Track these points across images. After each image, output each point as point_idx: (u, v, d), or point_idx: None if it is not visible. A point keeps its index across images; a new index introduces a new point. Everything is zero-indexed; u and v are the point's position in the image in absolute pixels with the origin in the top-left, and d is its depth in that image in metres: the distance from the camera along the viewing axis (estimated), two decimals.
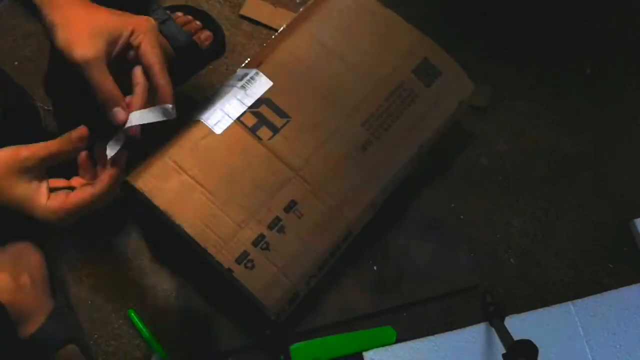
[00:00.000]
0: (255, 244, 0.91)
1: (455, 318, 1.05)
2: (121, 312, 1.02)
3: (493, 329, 0.95)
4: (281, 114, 0.97)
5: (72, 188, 0.71)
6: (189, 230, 0.91)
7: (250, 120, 0.96)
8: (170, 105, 0.69)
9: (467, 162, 1.15)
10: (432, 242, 1.08)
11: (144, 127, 0.73)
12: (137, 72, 0.72)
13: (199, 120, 0.96)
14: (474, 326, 1.03)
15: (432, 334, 1.02)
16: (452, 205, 1.12)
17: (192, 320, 1.02)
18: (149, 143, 0.88)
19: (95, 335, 1.01)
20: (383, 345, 1.01)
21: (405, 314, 1.05)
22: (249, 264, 0.91)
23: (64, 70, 0.73)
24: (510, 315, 1.01)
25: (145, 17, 0.71)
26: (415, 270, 1.06)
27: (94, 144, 0.72)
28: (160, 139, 0.94)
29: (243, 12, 1.22)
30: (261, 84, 0.98)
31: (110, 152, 0.70)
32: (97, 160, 0.73)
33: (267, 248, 0.92)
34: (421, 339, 1.02)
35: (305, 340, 1.01)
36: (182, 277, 1.04)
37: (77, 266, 1.04)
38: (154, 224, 0.97)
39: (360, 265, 1.06)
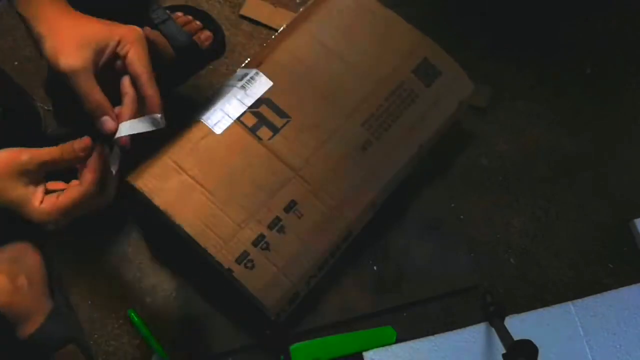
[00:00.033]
0: (255, 244, 0.91)
1: (455, 318, 1.05)
2: (121, 312, 1.02)
3: (493, 329, 0.95)
4: (281, 114, 0.97)
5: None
6: (189, 230, 0.91)
7: (250, 120, 0.96)
8: (159, 115, 0.69)
9: (467, 162, 1.15)
10: (432, 242, 1.08)
11: (133, 137, 0.73)
12: (125, 82, 0.72)
13: (199, 120, 0.96)
14: (474, 326, 1.03)
15: (432, 334, 1.02)
16: (452, 205, 1.12)
17: (192, 320, 1.02)
18: (149, 144, 0.88)
19: (95, 335, 1.01)
20: (383, 345, 1.01)
21: (405, 314, 1.05)
22: (249, 264, 0.91)
23: None
24: (510, 315, 1.01)
25: (133, 26, 0.71)
26: (415, 270, 1.06)
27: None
28: (160, 139, 0.94)
29: (243, 12, 1.22)
30: (261, 84, 0.98)
31: (113, 166, 0.70)
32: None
33: (267, 248, 0.92)
34: (421, 339, 1.02)
35: (305, 340, 1.01)
36: (182, 277, 1.04)
37: (77, 266, 1.04)
38: (154, 224, 0.98)
39: (360, 265, 1.06)
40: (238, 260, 0.91)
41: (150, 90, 0.70)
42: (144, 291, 1.04)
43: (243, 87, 0.98)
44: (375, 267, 1.06)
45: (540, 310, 1.05)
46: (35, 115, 1.06)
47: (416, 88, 1.02)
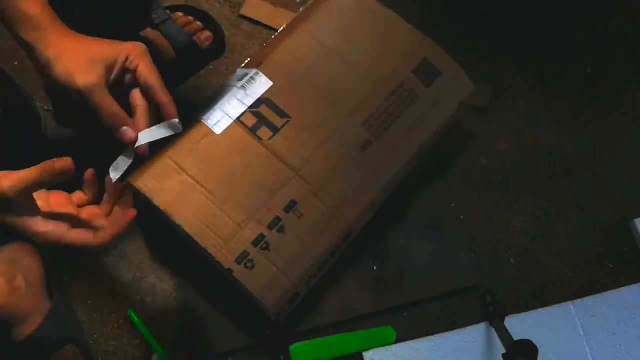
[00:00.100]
0: (255, 244, 0.91)
1: (455, 318, 1.05)
2: (121, 312, 1.02)
3: (493, 329, 0.95)
4: (281, 114, 0.97)
5: (74, 218, 0.69)
6: (189, 230, 0.91)
7: (250, 120, 0.96)
8: (177, 120, 0.72)
9: (467, 162, 1.15)
10: (432, 242, 1.08)
11: (150, 143, 0.76)
12: (136, 94, 0.74)
13: (199, 120, 0.96)
14: (474, 326, 1.03)
15: (432, 334, 1.02)
16: (452, 205, 1.12)
17: (192, 320, 1.02)
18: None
19: (95, 335, 1.01)
20: (383, 345, 1.01)
21: (405, 314, 1.05)
22: (249, 264, 0.91)
23: None
24: (510, 315, 1.01)
25: (137, 42, 0.73)
26: (415, 270, 1.06)
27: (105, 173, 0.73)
28: (160, 140, 0.93)
29: (243, 12, 1.22)
30: (261, 84, 0.98)
31: (115, 174, 0.71)
32: (106, 189, 0.74)
33: (267, 248, 0.92)
34: (421, 339, 1.02)
35: (305, 340, 1.01)
36: (182, 277, 1.04)
37: (77, 266, 1.04)
38: (154, 224, 0.97)
39: (360, 265, 1.06)
40: (238, 260, 0.91)
41: (166, 97, 0.72)
42: (144, 291, 1.04)
43: (243, 87, 0.98)
44: (375, 267, 1.06)
45: (540, 310, 1.05)
46: (35, 115, 1.06)
47: (416, 88, 1.02)
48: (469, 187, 1.14)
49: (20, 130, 0.98)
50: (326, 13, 1.04)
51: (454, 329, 1.03)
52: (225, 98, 0.97)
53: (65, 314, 0.94)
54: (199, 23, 1.11)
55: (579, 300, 1.05)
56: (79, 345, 0.93)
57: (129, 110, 0.73)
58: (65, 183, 0.67)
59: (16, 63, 1.13)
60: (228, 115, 0.96)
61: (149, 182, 0.91)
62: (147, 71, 0.72)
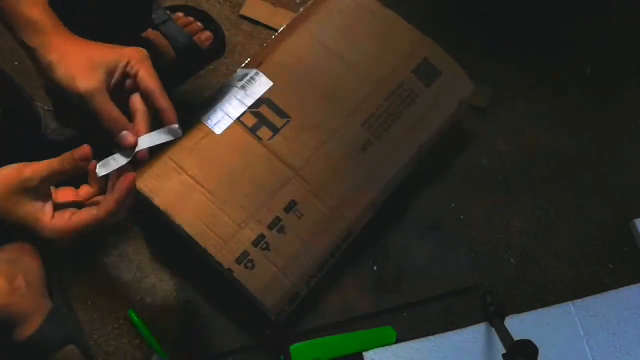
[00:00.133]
0: (255, 244, 0.91)
1: (455, 318, 1.05)
2: (121, 312, 1.02)
3: (493, 329, 0.95)
4: (281, 114, 0.97)
5: (78, 203, 0.71)
6: (189, 230, 0.91)
7: (250, 120, 0.96)
8: (176, 125, 0.72)
9: (467, 162, 1.15)
10: (432, 242, 1.08)
11: (150, 147, 0.76)
12: (136, 99, 0.74)
13: (199, 120, 0.96)
14: (474, 326, 1.03)
15: (432, 334, 1.02)
16: (452, 205, 1.12)
17: (192, 320, 1.02)
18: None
19: (95, 335, 1.01)
20: (383, 345, 1.01)
21: (405, 314, 1.05)
22: (249, 264, 0.91)
23: None
24: (510, 315, 1.01)
25: (138, 47, 0.74)
26: (415, 270, 1.06)
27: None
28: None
29: (243, 12, 1.22)
30: (261, 84, 0.98)
31: (101, 170, 0.71)
32: (109, 177, 0.74)
33: (267, 248, 0.92)
34: (421, 339, 1.02)
35: (305, 340, 1.01)
36: (182, 277, 1.04)
37: (77, 266, 1.04)
38: (154, 224, 0.97)
39: (360, 265, 1.06)
40: (238, 260, 0.91)
41: (165, 103, 0.73)
42: (144, 291, 1.04)
43: (243, 87, 0.98)
44: (375, 267, 1.06)
45: (540, 310, 1.05)
46: (35, 115, 1.06)
47: (416, 88, 1.02)
48: (469, 187, 1.14)
49: (20, 130, 0.98)
50: (326, 13, 1.04)
51: (454, 329, 1.03)
52: (225, 98, 0.97)
53: (65, 314, 0.94)
54: (199, 23, 1.11)
55: (579, 300, 1.05)
56: (79, 345, 0.92)
57: (129, 114, 0.73)
58: (71, 178, 0.68)
59: (16, 63, 1.13)
60: (228, 115, 0.96)
61: (149, 182, 0.91)
62: (147, 76, 0.72)
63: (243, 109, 0.97)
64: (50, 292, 0.92)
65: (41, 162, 0.66)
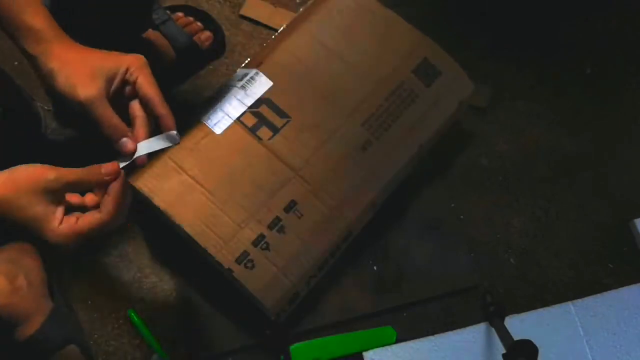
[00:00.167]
0: (255, 244, 0.91)
1: (455, 318, 1.05)
2: (121, 312, 1.02)
3: (493, 329, 0.95)
4: (281, 114, 0.97)
5: (84, 208, 0.72)
6: (189, 230, 0.91)
7: (250, 120, 0.96)
8: (174, 132, 0.73)
9: (467, 162, 1.15)
10: (432, 242, 1.08)
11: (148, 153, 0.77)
12: (135, 105, 0.75)
13: (199, 120, 0.96)
14: (474, 326, 1.03)
15: (432, 334, 1.02)
16: (452, 205, 1.12)
17: (192, 320, 1.02)
18: None
19: (95, 335, 1.01)
20: (383, 345, 1.01)
21: (405, 314, 1.05)
22: (249, 264, 0.91)
23: None
24: (510, 315, 1.01)
25: (137, 55, 0.75)
26: (415, 270, 1.06)
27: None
28: None
29: (243, 12, 1.22)
30: (261, 84, 0.98)
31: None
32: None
33: (267, 248, 0.92)
34: (421, 339, 1.02)
35: (305, 340, 1.01)
36: (182, 277, 1.04)
37: (77, 266, 1.04)
38: (154, 224, 0.97)
39: (360, 265, 1.06)
40: (238, 260, 0.91)
41: (164, 110, 0.73)
42: (144, 291, 1.04)
43: (243, 87, 0.98)
44: (375, 267, 1.06)
45: (540, 310, 1.05)
46: (35, 115, 1.06)
47: (416, 88, 1.02)
48: (469, 187, 1.14)
49: (20, 130, 0.98)
50: (326, 13, 1.04)
51: (454, 329, 1.03)
52: (225, 98, 0.97)
53: (66, 314, 0.94)
54: (199, 23, 1.11)
55: (579, 300, 1.05)
56: (79, 345, 0.92)
57: (129, 120, 0.74)
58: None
59: (16, 63, 1.13)
60: (228, 115, 0.96)
61: (149, 182, 0.91)
62: (146, 83, 0.73)
63: (243, 109, 0.97)
64: (51, 292, 0.92)
65: (67, 168, 0.67)
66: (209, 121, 0.96)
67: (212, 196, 0.92)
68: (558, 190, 1.15)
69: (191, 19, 1.11)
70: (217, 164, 0.94)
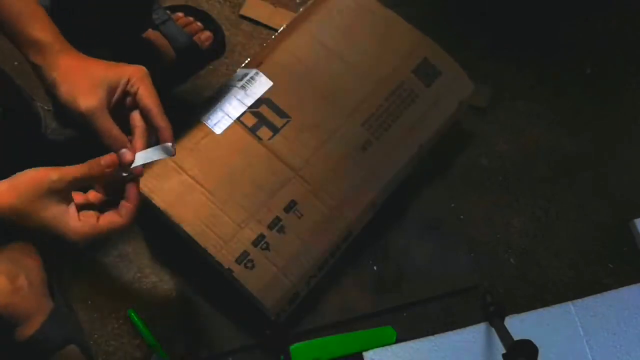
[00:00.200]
0: (255, 244, 0.91)
1: (455, 318, 1.05)
2: (121, 312, 1.02)
3: (493, 329, 0.95)
4: (281, 114, 0.97)
5: (92, 205, 0.73)
6: (189, 230, 0.91)
7: (250, 120, 0.96)
8: (170, 144, 0.74)
9: (467, 162, 1.15)
10: (432, 242, 1.08)
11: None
12: (136, 116, 0.76)
13: (199, 120, 0.96)
14: (474, 326, 1.03)
15: (432, 334, 1.02)
16: (452, 205, 1.12)
17: (192, 320, 1.02)
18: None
19: (95, 335, 1.01)
20: (383, 345, 1.01)
21: (405, 314, 1.05)
22: (249, 264, 0.91)
23: None
24: (510, 315, 1.01)
25: (139, 66, 0.76)
26: (415, 270, 1.06)
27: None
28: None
29: (243, 12, 1.22)
30: (261, 84, 0.98)
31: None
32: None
33: (267, 248, 0.92)
34: (421, 339, 1.02)
35: (305, 340, 1.01)
36: (182, 277, 1.04)
37: (77, 266, 1.04)
38: (154, 224, 0.97)
39: (360, 265, 1.06)
40: (238, 260, 0.91)
41: (163, 122, 0.75)
42: (144, 291, 1.04)
43: (243, 87, 0.98)
44: (375, 267, 1.06)
45: (540, 310, 1.05)
46: (35, 115, 1.06)
47: (416, 88, 1.02)
48: (469, 187, 1.14)
49: (20, 130, 0.98)
50: (326, 13, 1.04)
51: (454, 329, 1.03)
52: (225, 98, 0.97)
53: (66, 314, 0.94)
54: (199, 23, 1.11)
55: (579, 300, 1.05)
56: (79, 345, 0.92)
57: (129, 129, 0.76)
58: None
59: (16, 63, 1.13)
60: (228, 115, 0.96)
61: (149, 182, 0.92)
62: (146, 95, 0.74)
63: (243, 109, 0.97)
64: (51, 292, 0.92)
65: (68, 167, 0.68)
66: (209, 121, 0.96)
67: (212, 196, 0.92)
68: (558, 190, 1.15)
69: (191, 19, 1.11)
70: (217, 164, 0.94)
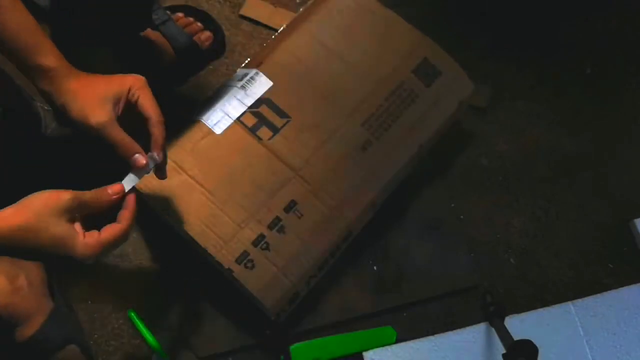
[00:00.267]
0: (255, 244, 0.91)
1: (455, 318, 1.05)
2: (121, 312, 1.02)
3: (493, 329, 0.95)
4: (281, 114, 0.97)
5: (92, 223, 0.76)
6: (189, 230, 0.91)
7: (250, 120, 0.96)
8: (154, 153, 0.79)
9: (467, 162, 1.15)
10: (432, 242, 1.08)
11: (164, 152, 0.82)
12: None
13: (199, 120, 0.96)
14: (474, 326, 1.03)
15: (432, 334, 1.02)
16: (452, 205, 1.12)
17: (192, 320, 1.02)
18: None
19: (95, 335, 1.01)
20: (383, 345, 1.01)
21: (405, 314, 1.05)
22: (249, 264, 0.91)
23: None
24: (510, 315, 1.01)
25: (137, 75, 0.80)
26: (415, 270, 1.06)
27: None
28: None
29: (243, 12, 1.22)
30: (261, 84, 0.98)
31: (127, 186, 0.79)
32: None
33: (267, 248, 0.92)
34: (421, 339, 1.02)
35: (305, 340, 1.01)
36: (182, 277, 1.04)
37: (77, 266, 1.04)
38: (154, 224, 0.98)
39: (360, 265, 1.06)
40: (238, 260, 0.91)
41: (158, 131, 0.79)
42: (144, 291, 1.04)
43: (243, 87, 0.98)
44: (375, 267, 1.06)
45: (540, 310, 1.05)
46: (35, 115, 1.06)
47: (416, 88, 1.02)
48: (469, 187, 1.14)
49: (20, 130, 0.98)
50: (326, 13, 1.04)
51: (454, 329, 1.03)
52: (225, 98, 0.97)
53: (66, 314, 0.94)
54: (199, 23, 1.11)
55: (579, 300, 1.05)
56: (79, 345, 0.92)
57: (136, 134, 0.79)
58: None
59: None
60: (228, 115, 0.96)
61: (149, 182, 0.92)
62: (146, 103, 0.78)
63: (243, 109, 0.97)
64: (51, 292, 0.92)
65: (80, 191, 0.74)
66: (209, 121, 0.96)
67: (212, 196, 0.92)
68: (558, 190, 1.15)
69: (191, 19, 1.11)
70: (217, 164, 0.94)
